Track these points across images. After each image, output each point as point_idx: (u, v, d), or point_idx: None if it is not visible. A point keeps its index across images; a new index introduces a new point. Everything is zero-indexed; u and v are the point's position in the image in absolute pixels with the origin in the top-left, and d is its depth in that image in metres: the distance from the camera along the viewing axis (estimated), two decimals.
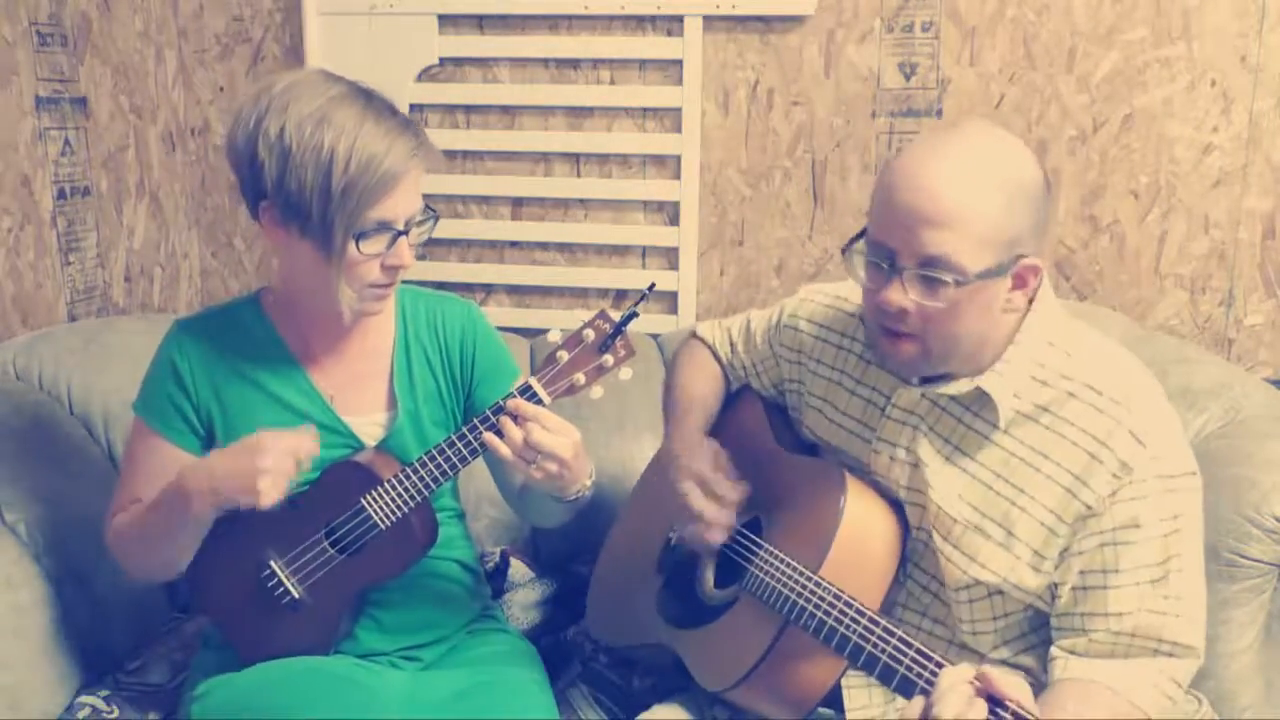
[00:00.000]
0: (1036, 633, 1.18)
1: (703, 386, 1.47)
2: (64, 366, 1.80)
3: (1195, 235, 1.93)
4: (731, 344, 1.50)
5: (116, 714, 1.49)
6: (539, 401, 1.20)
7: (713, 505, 1.27)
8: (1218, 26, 1.85)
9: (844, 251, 1.15)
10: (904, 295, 1.08)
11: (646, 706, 1.37)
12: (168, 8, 2.14)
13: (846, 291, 1.37)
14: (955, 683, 0.94)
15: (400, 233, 1.25)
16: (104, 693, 1.52)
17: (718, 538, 1.27)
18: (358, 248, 1.22)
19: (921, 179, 1.05)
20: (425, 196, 2.12)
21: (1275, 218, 1.91)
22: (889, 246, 1.08)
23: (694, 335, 1.55)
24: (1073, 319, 1.20)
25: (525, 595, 1.76)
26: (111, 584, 1.57)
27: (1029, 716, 0.91)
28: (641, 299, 1.21)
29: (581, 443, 1.21)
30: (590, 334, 1.19)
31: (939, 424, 1.19)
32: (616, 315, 1.19)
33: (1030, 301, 1.16)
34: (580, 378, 1.19)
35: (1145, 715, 1.05)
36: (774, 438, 1.38)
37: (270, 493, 1.18)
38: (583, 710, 1.46)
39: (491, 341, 1.43)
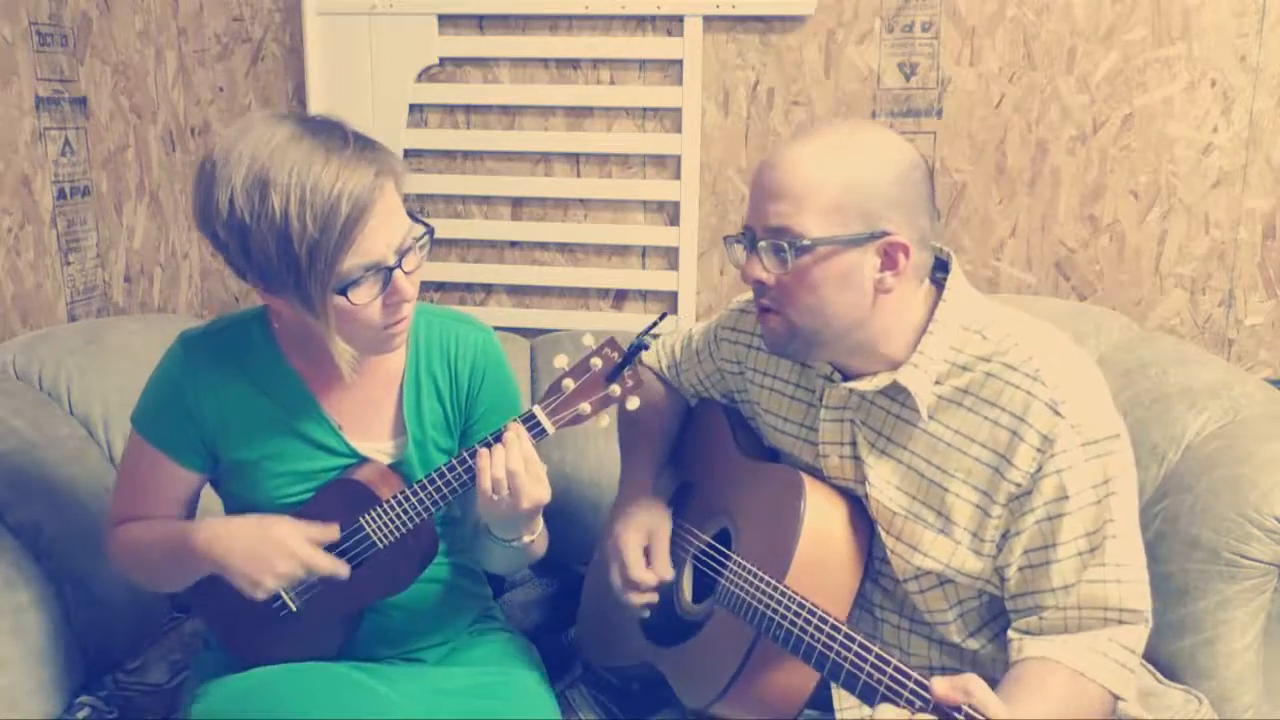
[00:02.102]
0: (998, 620, 1.19)
1: (653, 419, 1.48)
2: (64, 366, 1.80)
3: (1195, 235, 1.93)
4: (675, 365, 1.50)
5: (116, 714, 1.49)
6: (542, 430, 1.18)
7: (631, 592, 1.32)
8: (1218, 26, 1.85)
9: (725, 240, 1.21)
10: (761, 268, 1.13)
11: (646, 709, 1.37)
12: (168, 8, 2.14)
13: None
14: None
15: (391, 268, 1.16)
16: (103, 693, 1.52)
17: (640, 614, 1.34)
18: (349, 300, 1.15)
19: (772, 162, 1.13)
20: (425, 198, 2.16)
21: (1275, 218, 1.91)
22: (750, 225, 1.16)
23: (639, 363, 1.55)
24: (987, 300, 1.21)
25: (525, 595, 1.76)
26: (111, 584, 1.57)
27: (982, 718, 0.90)
28: (651, 327, 1.19)
29: (541, 507, 1.21)
30: (598, 363, 1.17)
31: (870, 417, 1.20)
32: (624, 344, 1.17)
33: (937, 293, 1.18)
34: (586, 407, 1.18)
35: (1102, 687, 1.07)
36: (735, 444, 1.37)
37: (267, 594, 1.20)
38: (583, 710, 1.46)
39: (500, 380, 1.38)
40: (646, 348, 1.18)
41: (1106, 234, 1.96)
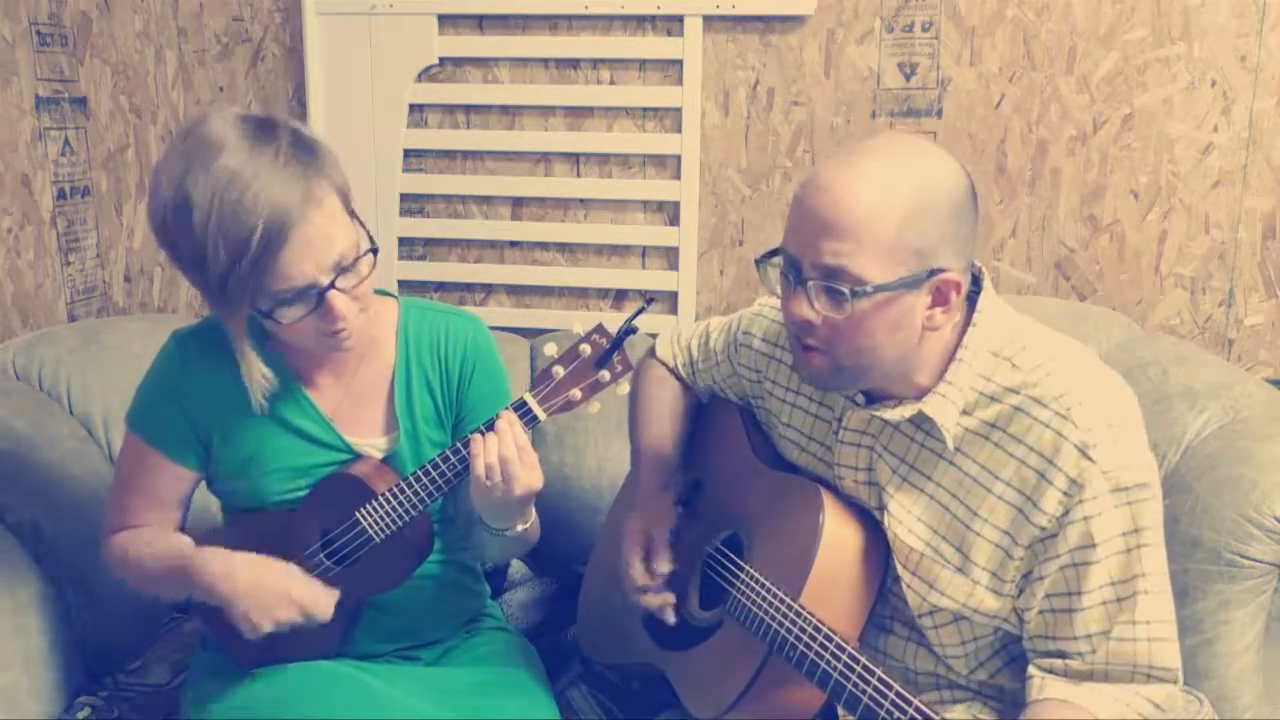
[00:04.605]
0: (1007, 649, 1.16)
1: (664, 416, 1.44)
2: (64, 366, 1.80)
3: (1195, 235, 1.93)
4: (692, 362, 1.47)
5: (116, 714, 1.49)
6: (534, 417, 1.18)
7: (641, 596, 1.29)
8: (1218, 26, 1.85)
9: (758, 262, 1.12)
10: (808, 307, 1.04)
11: (646, 709, 1.37)
12: (168, 8, 2.14)
13: None
14: None
15: (323, 289, 1.14)
16: (104, 693, 1.52)
17: (662, 613, 1.30)
18: (275, 321, 1.15)
19: (824, 188, 1.02)
20: (425, 198, 2.15)
21: (1275, 218, 1.91)
22: (789, 254, 1.06)
23: (652, 353, 1.51)
24: (1018, 319, 1.15)
25: (525, 594, 1.76)
26: (111, 585, 1.55)
27: None
28: (639, 313, 1.19)
29: (534, 495, 1.21)
30: (587, 349, 1.17)
31: (892, 444, 1.16)
32: (613, 330, 1.18)
33: (967, 315, 1.12)
34: (576, 393, 1.18)
35: None
36: (751, 449, 1.35)
37: (261, 635, 1.21)
38: (582, 710, 1.46)
39: (490, 371, 1.38)
40: (634, 332, 1.17)
41: (1106, 234, 1.96)
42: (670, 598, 1.30)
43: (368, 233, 1.21)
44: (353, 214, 1.20)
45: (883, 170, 1.02)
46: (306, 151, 1.14)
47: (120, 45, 2.16)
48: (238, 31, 2.13)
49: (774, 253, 1.10)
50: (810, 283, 1.03)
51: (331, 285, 1.15)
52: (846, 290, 1.01)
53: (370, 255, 1.19)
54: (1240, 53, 1.85)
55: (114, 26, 2.15)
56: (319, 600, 1.23)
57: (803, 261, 1.04)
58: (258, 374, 1.22)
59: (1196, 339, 1.97)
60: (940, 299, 1.05)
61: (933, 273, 1.03)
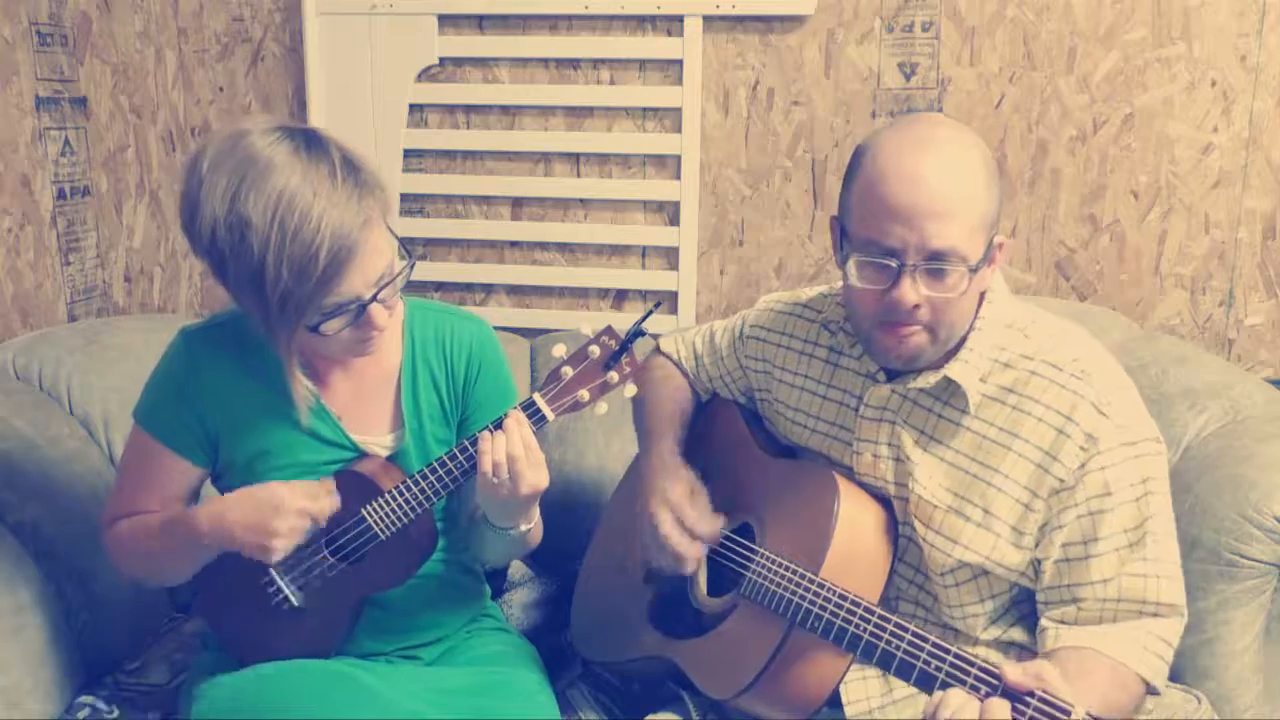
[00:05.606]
0: (1019, 606, 1.21)
1: (672, 404, 1.48)
2: (64, 366, 1.80)
3: (1195, 235, 1.93)
4: (696, 357, 1.51)
5: (116, 714, 1.49)
6: (542, 417, 1.19)
7: (685, 539, 1.29)
8: (1218, 26, 1.85)
9: (842, 263, 1.16)
10: (915, 291, 1.10)
11: (646, 708, 1.37)
12: (168, 8, 2.14)
13: (805, 298, 1.40)
14: (961, 705, 0.96)
15: (366, 303, 1.17)
16: (104, 693, 1.52)
17: (688, 569, 1.30)
18: (319, 334, 1.18)
19: (917, 178, 1.08)
20: (425, 198, 2.15)
21: (1275, 218, 1.91)
22: (888, 245, 1.10)
23: (658, 350, 1.56)
24: (1019, 299, 1.24)
25: (525, 594, 1.76)
26: (111, 584, 1.57)
27: (1057, 702, 0.92)
28: (647, 315, 1.20)
29: (539, 494, 1.22)
30: (595, 350, 1.18)
31: (912, 416, 1.22)
32: (621, 331, 1.19)
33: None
34: (584, 394, 1.19)
35: (1139, 676, 1.08)
36: (755, 442, 1.38)
37: (280, 553, 1.19)
38: (583, 710, 1.46)
39: (496, 370, 1.39)
40: (643, 335, 1.19)
41: (1106, 234, 1.96)
42: (702, 552, 1.30)
43: (400, 243, 1.22)
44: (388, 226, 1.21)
45: (953, 150, 1.10)
46: (355, 169, 1.15)
47: (120, 45, 2.16)
48: (238, 31, 2.13)
49: (840, 240, 1.16)
50: (917, 267, 1.09)
51: (374, 298, 1.17)
52: (962, 268, 1.09)
53: (408, 270, 1.21)
54: (1240, 53, 1.85)
55: (114, 26, 2.15)
56: (314, 492, 1.20)
57: (907, 249, 1.09)
58: (303, 390, 1.25)
59: (1196, 339, 1.97)
60: (990, 259, 1.14)
61: (993, 236, 1.13)
